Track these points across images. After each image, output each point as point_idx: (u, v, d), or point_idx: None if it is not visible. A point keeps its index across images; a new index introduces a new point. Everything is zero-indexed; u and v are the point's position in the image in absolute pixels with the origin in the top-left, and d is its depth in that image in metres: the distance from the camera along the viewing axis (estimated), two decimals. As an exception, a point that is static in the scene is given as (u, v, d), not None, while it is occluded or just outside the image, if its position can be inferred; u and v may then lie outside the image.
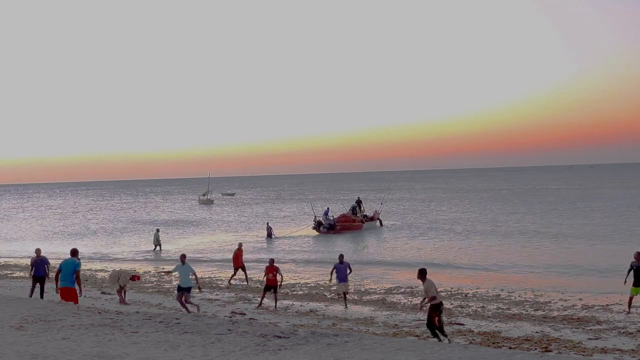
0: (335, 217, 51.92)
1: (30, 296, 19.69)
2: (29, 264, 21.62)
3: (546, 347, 14.40)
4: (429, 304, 14.59)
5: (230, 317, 17.47)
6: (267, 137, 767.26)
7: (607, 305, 20.50)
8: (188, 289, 19.36)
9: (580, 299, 21.77)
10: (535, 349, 14.16)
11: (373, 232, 50.44)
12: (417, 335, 15.77)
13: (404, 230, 51.67)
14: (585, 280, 26.41)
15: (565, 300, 21.81)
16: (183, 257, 19.81)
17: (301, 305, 21.48)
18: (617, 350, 14.25)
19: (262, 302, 21.50)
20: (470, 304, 21.35)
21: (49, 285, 19.99)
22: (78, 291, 16.05)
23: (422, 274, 14.82)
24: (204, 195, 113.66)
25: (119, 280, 21.53)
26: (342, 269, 21.32)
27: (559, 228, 47.53)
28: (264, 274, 21.89)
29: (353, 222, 51.53)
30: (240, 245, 28.82)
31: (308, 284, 27.27)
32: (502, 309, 20.42)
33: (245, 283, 27.10)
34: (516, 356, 8.02)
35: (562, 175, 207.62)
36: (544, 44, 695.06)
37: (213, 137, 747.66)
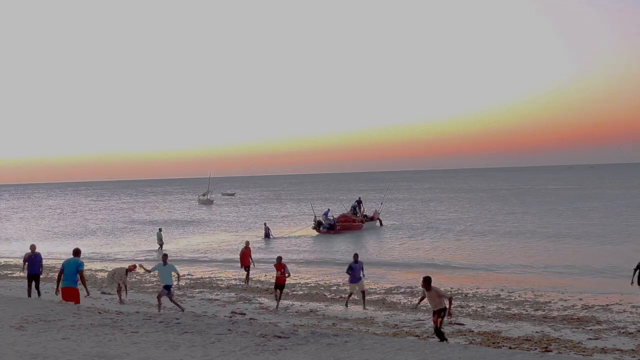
0: (335, 217, 51.92)
1: (30, 296, 19.66)
2: (22, 259, 21.29)
3: (546, 347, 14.39)
4: (435, 310, 14.43)
5: (230, 317, 17.47)
6: (267, 137, 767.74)
7: (607, 305, 20.50)
8: (169, 286, 19.18)
9: (580, 299, 21.76)
10: (535, 349, 14.15)
11: (373, 232, 50.44)
12: (417, 335, 15.76)
13: (403, 230, 51.66)
14: (585, 280, 26.40)
15: (565, 300, 21.80)
16: (165, 257, 19.63)
17: (301, 305, 21.46)
18: (617, 350, 14.24)
19: (279, 301, 21.30)
20: (470, 304, 21.34)
21: (49, 286, 19.96)
22: (84, 292, 16.04)
23: (427, 282, 14.47)
24: (203, 195, 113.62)
25: (114, 278, 21.64)
26: (357, 269, 21.09)
27: (558, 228, 47.52)
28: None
29: (353, 222, 51.53)
30: (247, 243, 28.51)
31: (308, 284, 27.25)
32: (502, 309, 20.41)
33: (245, 284, 27.02)
34: (516, 356, 8.01)
35: (562, 175, 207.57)
36: (544, 44, 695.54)
37: (213, 137, 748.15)
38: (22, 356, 8.39)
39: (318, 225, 50.90)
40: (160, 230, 45.25)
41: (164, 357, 8.52)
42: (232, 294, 24.47)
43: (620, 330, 16.59)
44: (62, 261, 16.69)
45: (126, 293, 22.30)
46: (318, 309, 20.85)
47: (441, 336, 14.45)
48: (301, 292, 24.76)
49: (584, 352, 14.06)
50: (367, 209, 56.21)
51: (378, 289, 25.31)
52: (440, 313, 14.36)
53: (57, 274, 17.37)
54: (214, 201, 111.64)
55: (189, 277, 30.28)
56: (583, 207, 67.47)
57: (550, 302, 21.47)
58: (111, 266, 33.15)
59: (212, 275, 30.74)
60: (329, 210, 54.18)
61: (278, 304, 21.19)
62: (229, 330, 10.18)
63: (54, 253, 42.09)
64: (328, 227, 50.37)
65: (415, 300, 22.18)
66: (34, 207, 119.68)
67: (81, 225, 70.79)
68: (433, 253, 37.22)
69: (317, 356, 8.35)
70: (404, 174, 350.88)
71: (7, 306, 13.28)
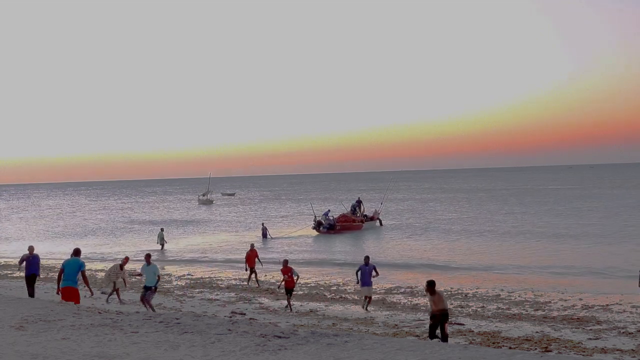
0: (335, 217, 51.92)
1: (32, 296, 19.64)
2: (19, 260, 21.01)
3: (546, 347, 14.39)
4: (439, 314, 14.38)
5: (230, 317, 17.46)
6: (267, 137, 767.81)
7: (607, 305, 20.50)
8: (152, 288, 18.78)
9: (580, 299, 21.76)
10: (535, 349, 14.16)
11: (373, 232, 50.45)
12: (417, 335, 15.77)
13: (403, 230, 51.67)
14: (585, 280, 26.41)
15: (565, 300, 21.80)
16: (148, 257, 19.11)
17: (301, 305, 21.46)
18: (617, 350, 14.25)
19: (290, 304, 20.97)
20: (470, 304, 21.35)
21: (50, 285, 19.95)
22: (89, 292, 16.02)
23: (431, 286, 14.55)
24: (203, 195, 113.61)
25: (110, 276, 21.69)
26: (367, 272, 20.41)
27: (557, 228, 47.53)
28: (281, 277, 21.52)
29: (353, 222, 51.54)
30: (252, 245, 28.50)
31: (308, 284, 27.25)
32: (502, 309, 20.42)
33: (245, 284, 26.99)
34: (516, 356, 8.01)
35: (562, 175, 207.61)
36: (544, 44, 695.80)
37: (213, 137, 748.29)
38: (22, 356, 8.39)
39: (318, 225, 50.91)
40: (162, 230, 45.28)
41: (164, 357, 8.51)
42: (232, 294, 24.48)
43: (620, 330, 16.59)
44: (62, 261, 16.69)
45: (125, 285, 22.35)
46: (318, 309, 20.85)
47: (439, 337, 14.41)
48: (301, 292, 24.75)
49: (584, 352, 14.07)
50: (367, 209, 56.25)
51: (378, 289, 25.25)
52: (444, 318, 14.36)
53: (57, 274, 17.35)
54: (214, 201, 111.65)
55: (189, 277, 30.30)
56: (582, 207, 67.48)
57: (550, 302, 21.48)
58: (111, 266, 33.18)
59: (212, 275, 30.74)
60: (329, 210, 54.19)
61: (290, 307, 20.87)
62: (229, 330, 10.18)
63: (54, 253, 42.13)
64: (328, 227, 50.38)
65: (416, 300, 22.23)
66: (33, 207, 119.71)
67: (81, 225, 70.81)
68: (433, 253, 37.22)
69: (317, 356, 8.35)
70: (404, 174, 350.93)
71: (7, 306, 13.27)
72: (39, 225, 72.07)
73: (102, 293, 23.80)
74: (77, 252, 16.27)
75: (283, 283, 21.23)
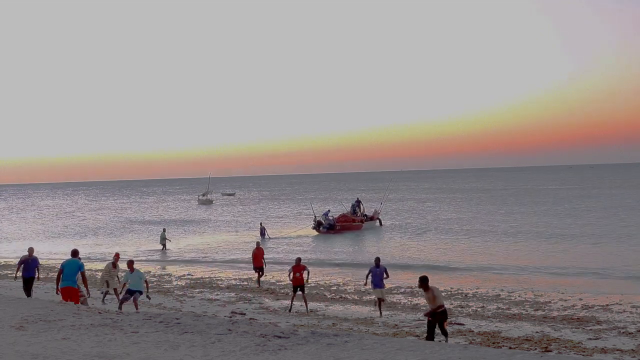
0: (335, 217, 51.91)
1: (31, 297, 19.64)
2: (18, 262, 20.76)
3: (546, 347, 14.39)
4: (438, 312, 14.08)
5: (230, 317, 17.46)
6: (267, 137, 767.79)
7: (607, 305, 20.50)
8: (139, 292, 18.06)
9: (580, 299, 21.76)
10: (535, 349, 14.16)
11: (373, 232, 50.44)
12: (417, 335, 15.76)
13: (403, 230, 51.66)
14: (585, 280, 26.40)
15: (565, 300, 21.80)
16: (131, 263, 18.41)
17: (301, 305, 21.45)
18: (617, 350, 14.25)
19: (293, 304, 20.87)
20: (470, 304, 21.34)
21: (49, 286, 19.94)
22: (86, 293, 16.02)
23: (424, 282, 14.11)
24: (203, 196, 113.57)
25: (103, 276, 21.70)
26: (377, 274, 19.88)
27: (557, 228, 47.53)
28: (288, 272, 21.35)
29: (353, 222, 51.54)
30: (258, 244, 28.45)
31: (308, 284, 27.18)
32: (502, 309, 20.41)
33: (255, 284, 26.72)
34: (516, 356, 8.01)
35: (562, 176, 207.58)
36: (544, 44, 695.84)
37: (213, 137, 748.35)
38: (23, 356, 8.39)
39: (318, 225, 50.91)
40: (164, 230, 45.26)
41: (164, 357, 8.51)
42: (232, 294, 24.47)
43: (620, 330, 16.59)
44: (61, 261, 16.68)
45: (119, 284, 22.26)
46: (318, 309, 20.86)
47: (437, 335, 14.34)
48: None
49: (584, 352, 14.06)
50: (367, 209, 56.27)
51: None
52: (442, 315, 14.16)
53: (57, 274, 17.35)
54: (214, 201, 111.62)
55: (189, 277, 30.30)
56: (582, 207, 67.48)
57: (550, 302, 21.47)
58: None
59: (212, 275, 30.74)
60: (329, 210, 54.19)
61: (291, 306, 20.81)
62: (229, 330, 10.18)
63: (54, 253, 42.12)
64: (328, 227, 50.37)
65: (416, 300, 22.21)
66: (33, 207, 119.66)
67: (81, 225, 70.79)
68: (433, 253, 37.22)
69: (317, 356, 8.35)
70: (404, 174, 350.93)
71: (7, 306, 13.27)
72: (38, 225, 72.06)
73: (102, 293, 23.81)
74: (75, 253, 16.29)
75: (292, 280, 20.91)
